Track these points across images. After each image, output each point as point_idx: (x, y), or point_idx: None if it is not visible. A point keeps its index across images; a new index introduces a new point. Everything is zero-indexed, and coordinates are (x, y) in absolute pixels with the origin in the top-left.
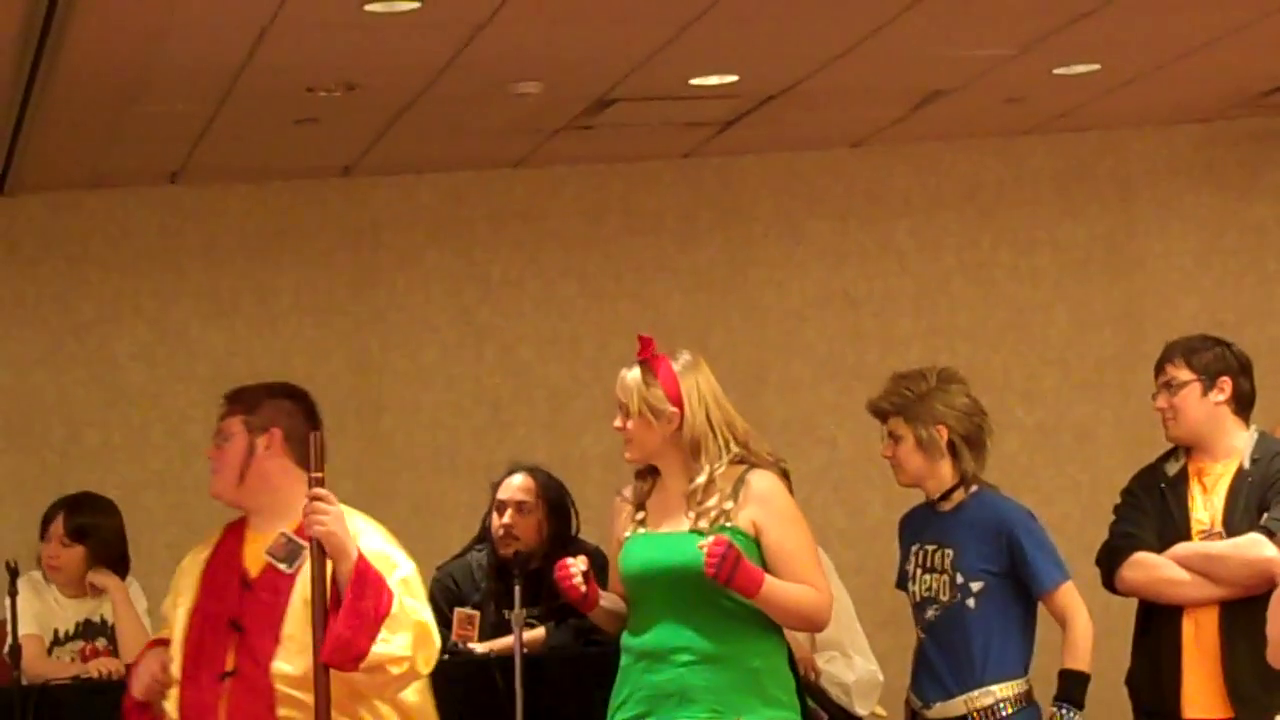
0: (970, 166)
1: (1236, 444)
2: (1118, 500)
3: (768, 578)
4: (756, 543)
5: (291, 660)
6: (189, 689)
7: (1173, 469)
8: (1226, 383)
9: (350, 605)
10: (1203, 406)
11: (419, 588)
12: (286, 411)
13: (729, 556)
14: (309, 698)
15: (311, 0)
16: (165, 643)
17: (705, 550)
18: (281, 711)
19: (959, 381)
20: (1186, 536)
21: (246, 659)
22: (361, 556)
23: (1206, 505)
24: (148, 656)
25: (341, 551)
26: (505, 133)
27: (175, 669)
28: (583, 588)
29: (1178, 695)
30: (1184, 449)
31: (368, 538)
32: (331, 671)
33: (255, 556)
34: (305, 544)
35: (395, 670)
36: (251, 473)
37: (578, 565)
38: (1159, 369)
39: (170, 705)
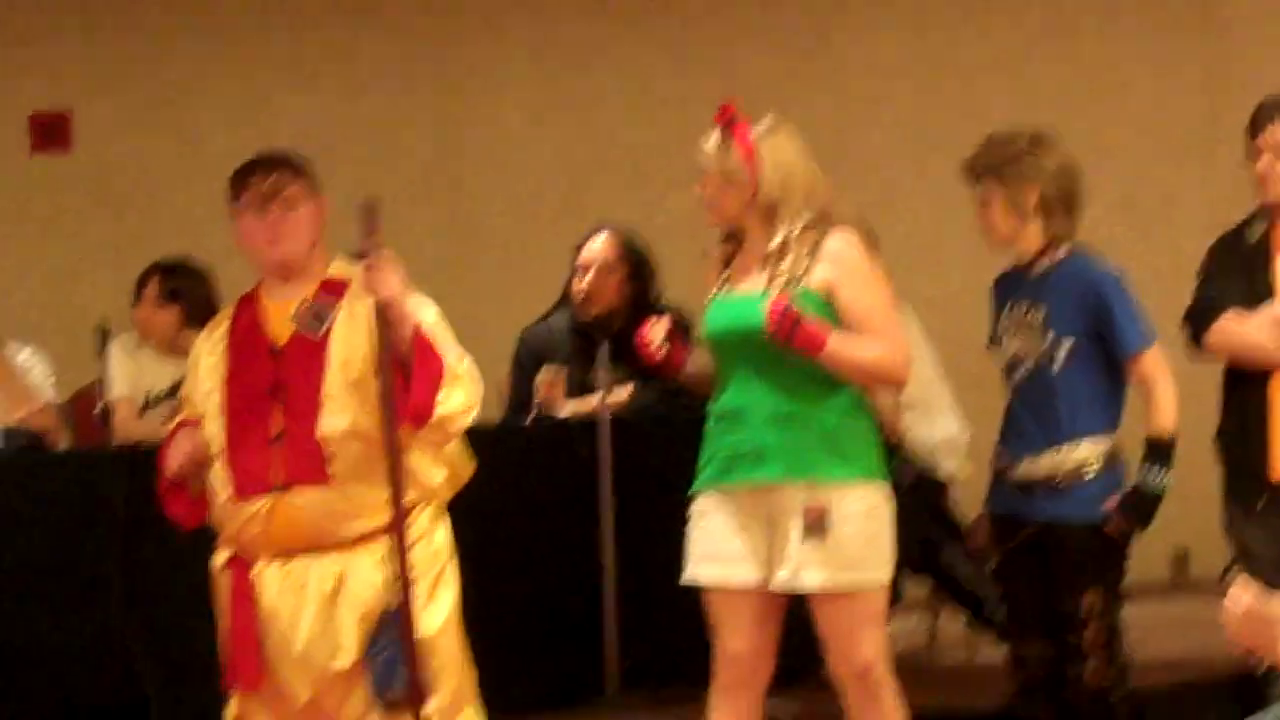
0: None
1: None
2: (1201, 263)
3: (834, 336)
4: (831, 303)
5: (334, 418)
6: (239, 456)
7: (1256, 233)
8: None
9: (420, 367)
10: None
11: (447, 330)
12: (317, 182)
13: (789, 316)
14: (356, 450)
15: None
16: (193, 424)
17: (765, 311)
18: (332, 468)
19: (1051, 143)
20: (1271, 298)
21: (292, 422)
22: (418, 321)
23: None
24: (179, 436)
25: (404, 315)
26: None
27: (217, 441)
28: (662, 353)
29: (1265, 457)
30: (1265, 214)
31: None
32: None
33: (279, 324)
34: (331, 306)
35: (453, 427)
36: (317, 238)
37: (657, 331)
38: (1260, 128)
39: (216, 477)
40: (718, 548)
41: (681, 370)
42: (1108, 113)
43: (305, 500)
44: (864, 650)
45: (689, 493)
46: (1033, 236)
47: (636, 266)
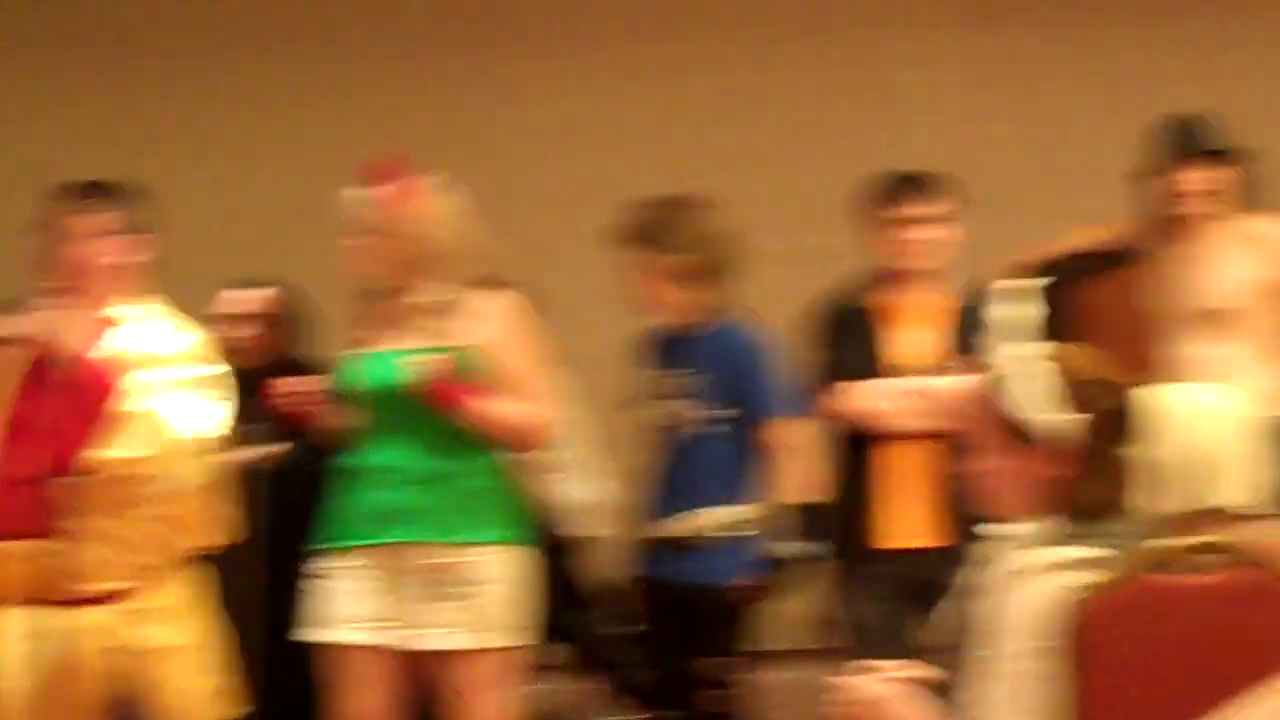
0: None
1: (940, 280)
2: (811, 327)
3: (477, 397)
4: (481, 363)
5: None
6: None
7: (865, 299)
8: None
9: (65, 409)
10: (954, 241)
11: (196, 384)
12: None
13: (435, 374)
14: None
15: None
16: None
17: (411, 368)
18: (71, 521)
19: (707, 208)
20: (888, 366)
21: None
22: (80, 359)
23: (911, 338)
24: None
25: (57, 353)
26: None
27: None
28: (305, 407)
29: (873, 525)
30: (878, 279)
31: (138, 339)
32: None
33: None
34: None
35: (125, 472)
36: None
37: (301, 384)
38: (915, 199)
39: None
40: (342, 608)
41: (323, 424)
42: (772, 175)
43: (42, 551)
44: (493, 713)
45: (314, 548)
46: (682, 302)
47: (283, 320)
